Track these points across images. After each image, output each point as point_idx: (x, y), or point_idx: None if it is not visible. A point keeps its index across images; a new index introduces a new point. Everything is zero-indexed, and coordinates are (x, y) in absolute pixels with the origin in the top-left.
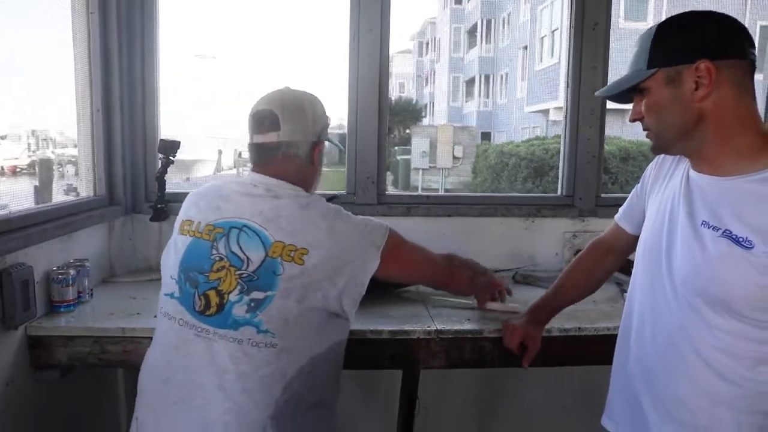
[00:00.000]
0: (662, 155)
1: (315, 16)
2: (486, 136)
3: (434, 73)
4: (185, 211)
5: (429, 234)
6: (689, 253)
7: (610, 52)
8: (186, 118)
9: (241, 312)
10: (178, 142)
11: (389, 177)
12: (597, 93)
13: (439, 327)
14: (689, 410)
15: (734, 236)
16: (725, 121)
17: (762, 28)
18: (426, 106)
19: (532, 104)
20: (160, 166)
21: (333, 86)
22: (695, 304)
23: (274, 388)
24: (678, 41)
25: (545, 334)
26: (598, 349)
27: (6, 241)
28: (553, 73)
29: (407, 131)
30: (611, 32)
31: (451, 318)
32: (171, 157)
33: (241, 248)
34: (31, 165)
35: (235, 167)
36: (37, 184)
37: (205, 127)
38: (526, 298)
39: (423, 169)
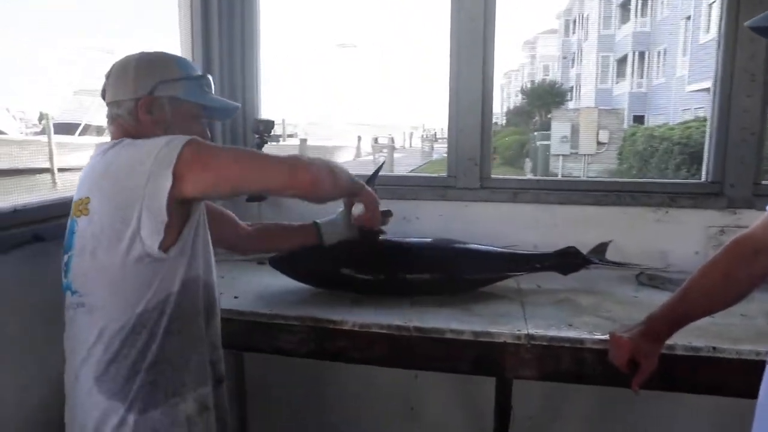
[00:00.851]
0: None
1: None
2: (639, 119)
3: (581, 52)
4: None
5: (538, 223)
6: None
7: None
8: (328, 106)
9: (63, 279)
10: (272, 122)
11: (527, 163)
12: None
13: (532, 331)
14: None
15: None
16: None
17: None
18: (571, 89)
19: (695, 82)
20: (255, 146)
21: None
22: None
23: (94, 348)
24: None
25: (666, 351)
26: (741, 378)
27: None
28: None
29: (548, 116)
30: None
31: (547, 320)
32: (266, 136)
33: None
34: None
35: (372, 152)
36: None
37: (346, 114)
38: (651, 303)
39: (563, 156)
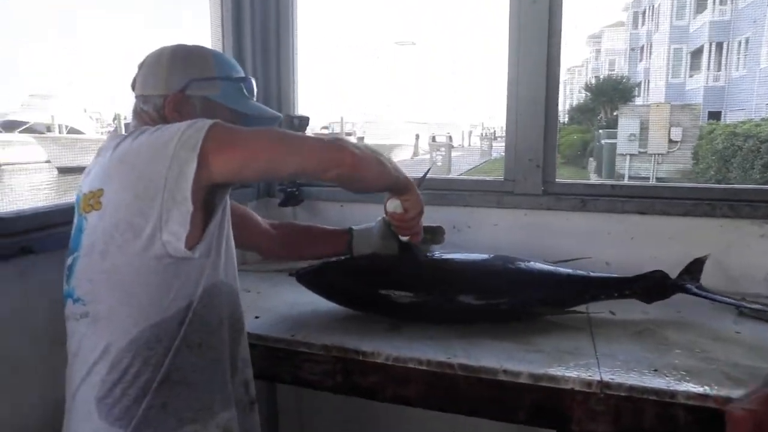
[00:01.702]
0: None
1: None
2: (715, 115)
3: (651, 45)
4: None
5: (612, 237)
6: None
7: None
8: (386, 104)
9: (64, 285)
10: (308, 118)
11: (591, 163)
12: None
13: (607, 378)
14: None
15: None
16: None
17: None
18: (640, 84)
19: None
20: None
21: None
22: None
23: (97, 366)
24: None
25: None
26: None
27: None
28: None
29: (615, 113)
30: None
31: (626, 361)
32: None
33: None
34: None
35: (430, 151)
36: None
37: (404, 113)
38: (759, 342)
39: (631, 155)
